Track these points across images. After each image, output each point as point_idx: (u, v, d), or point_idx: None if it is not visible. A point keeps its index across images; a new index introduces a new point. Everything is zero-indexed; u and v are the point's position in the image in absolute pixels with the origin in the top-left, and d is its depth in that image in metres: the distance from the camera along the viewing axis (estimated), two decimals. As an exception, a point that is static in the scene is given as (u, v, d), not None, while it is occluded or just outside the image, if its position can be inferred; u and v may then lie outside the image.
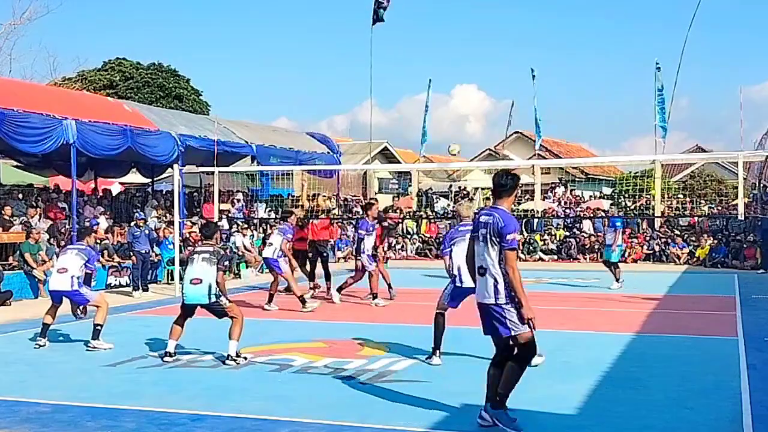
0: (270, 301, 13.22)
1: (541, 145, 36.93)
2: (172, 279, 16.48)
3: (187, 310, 8.81)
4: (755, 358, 8.52)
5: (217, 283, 8.55)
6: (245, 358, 8.51)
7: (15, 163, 22.98)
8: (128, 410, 6.48)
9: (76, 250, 9.98)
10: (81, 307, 9.93)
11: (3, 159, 23.19)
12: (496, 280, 5.80)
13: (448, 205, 31.78)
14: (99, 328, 9.61)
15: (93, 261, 10.13)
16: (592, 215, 26.46)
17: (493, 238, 5.79)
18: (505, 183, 5.97)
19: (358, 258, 13.56)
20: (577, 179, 39.86)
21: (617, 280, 16.02)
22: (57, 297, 9.92)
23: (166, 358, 8.56)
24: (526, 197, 30.17)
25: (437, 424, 6.00)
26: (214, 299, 8.54)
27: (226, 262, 8.85)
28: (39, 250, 15.53)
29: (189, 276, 8.67)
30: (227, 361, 8.39)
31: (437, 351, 8.33)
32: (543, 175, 34.62)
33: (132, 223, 17.36)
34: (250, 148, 23.21)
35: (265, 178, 25.77)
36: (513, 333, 5.71)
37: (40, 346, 9.62)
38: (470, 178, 36.94)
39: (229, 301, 8.72)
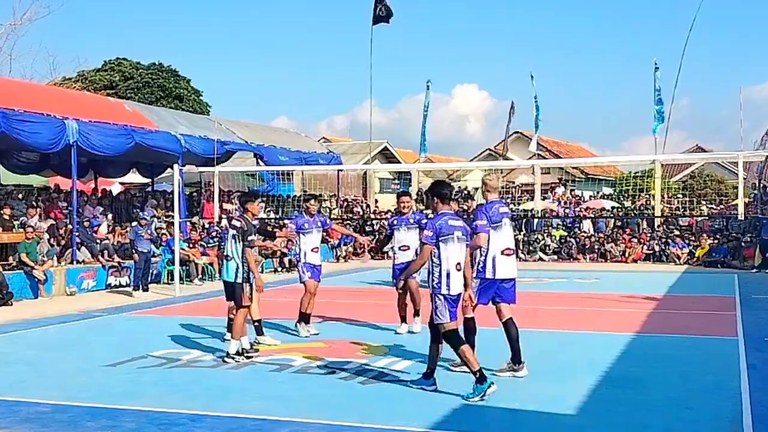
0: None
1: (541, 144, 36.91)
2: (172, 279, 16.48)
3: (226, 292, 8.68)
4: (755, 358, 8.52)
5: (245, 261, 8.40)
6: (248, 357, 8.47)
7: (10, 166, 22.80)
8: (128, 410, 6.47)
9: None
10: None
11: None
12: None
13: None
14: (256, 324, 9.58)
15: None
16: (593, 215, 26.47)
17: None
18: (448, 191, 7.26)
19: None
20: (577, 179, 39.86)
21: None
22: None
23: (238, 357, 8.44)
24: (525, 197, 30.14)
25: (437, 424, 6.00)
26: (239, 280, 8.41)
27: (250, 238, 8.55)
28: (38, 243, 15.55)
29: (224, 252, 8.71)
30: (226, 359, 8.38)
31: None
32: (543, 175, 34.57)
33: (134, 223, 17.36)
34: (254, 148, 23.26)
35: (273, 177, 25.73)
36: None
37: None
38: (470, 178, 36.92)
39: (252, 288, 8.48)
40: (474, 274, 7.42)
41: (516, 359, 7.55)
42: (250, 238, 8.55)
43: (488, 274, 7.52)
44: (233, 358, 8.39)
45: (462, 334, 7.11)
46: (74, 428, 6.00)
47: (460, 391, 6.96)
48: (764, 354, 8.80)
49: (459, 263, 6.89)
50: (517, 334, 7.51)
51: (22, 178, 23.07)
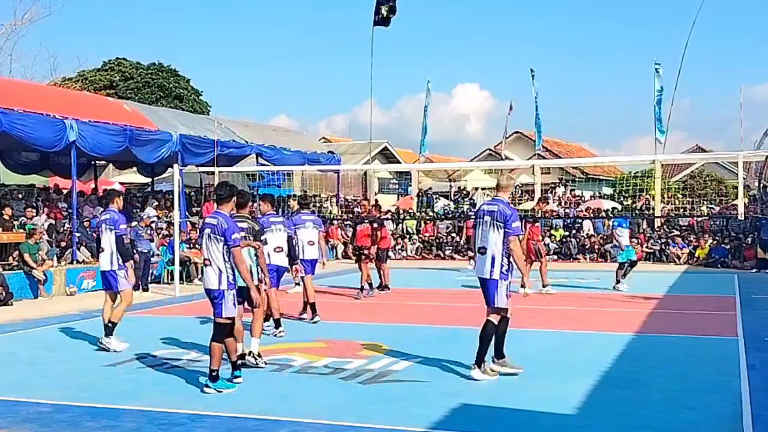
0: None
1: (543, 146, 36.91)
2: (172, 279, 16.48)
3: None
4: (755, 358, 8.52)
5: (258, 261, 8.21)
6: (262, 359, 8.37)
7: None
8: (128, 410, 6.47)
9: (104, 224, 9.49)
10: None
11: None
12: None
13: (448, 205, 31.76)
14: (111, 325, 9.42)
15: (118, 226, 9.49)
16: (592, 215, 26.45)
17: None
18: (223, 192, 7.49)
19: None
20: (577, 179, 39.87)
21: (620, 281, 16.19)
22: (101, 278, 9.73)
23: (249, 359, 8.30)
24: (525, 197, 30.12)
25: (437, 424, 6.00)
26: (256, 283, 8.16)
27: (263, 237, 8.45)
28: (39, 250, 15.54)
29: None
30: (248, 358, 8.21)
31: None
32: (543, 175, 34.62)
33: (134, 223, 17.34)
34: (254, 148, 23.23)
35: (274, 177, 25.61)
36: None
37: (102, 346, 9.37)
38: (470, 178, 36.93)
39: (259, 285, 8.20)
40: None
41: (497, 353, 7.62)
42: (262, 238, 8.48)
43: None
44: (255, 359, 8.31)
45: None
46: (74, 428, 6.00)
47: (460, 392, 6.96)
48: (764, 354, 8.80)
49: (208, 259, 7.35)
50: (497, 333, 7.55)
51: (23, 178, 23.07)
